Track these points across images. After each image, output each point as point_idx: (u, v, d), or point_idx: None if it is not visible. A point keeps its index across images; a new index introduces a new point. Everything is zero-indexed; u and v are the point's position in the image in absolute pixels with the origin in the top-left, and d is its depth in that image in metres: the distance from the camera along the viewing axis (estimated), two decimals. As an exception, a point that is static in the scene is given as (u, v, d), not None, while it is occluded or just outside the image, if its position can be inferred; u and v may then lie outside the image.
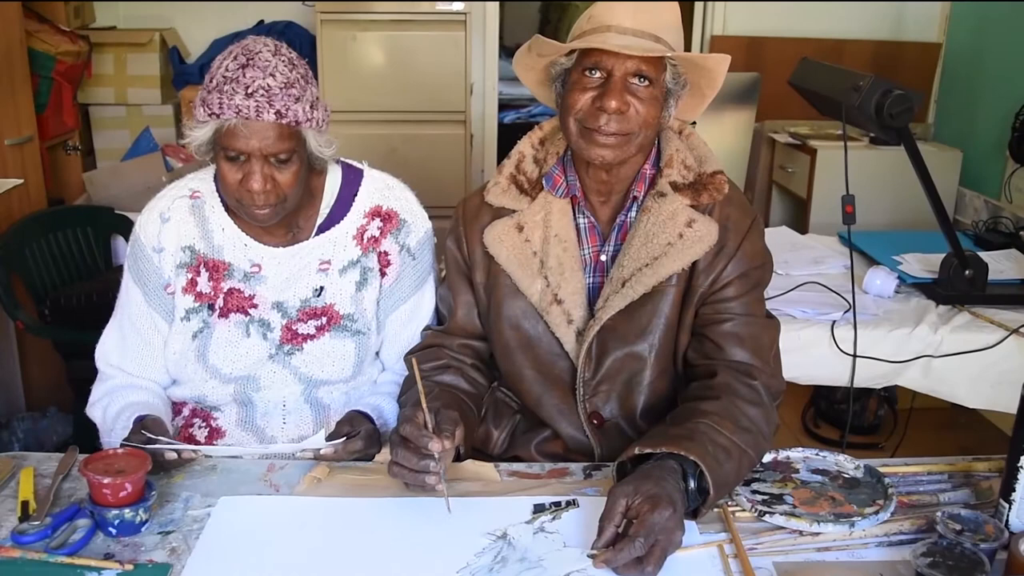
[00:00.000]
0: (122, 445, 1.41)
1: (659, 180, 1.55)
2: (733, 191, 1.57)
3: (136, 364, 1.68)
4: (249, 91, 1.46)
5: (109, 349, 1.70)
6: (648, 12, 1.46)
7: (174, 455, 1.44)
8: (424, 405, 1.38)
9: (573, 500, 1.40)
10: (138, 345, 1.67)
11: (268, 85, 1.47)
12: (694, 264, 1.52)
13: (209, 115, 1.47)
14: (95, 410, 1.68)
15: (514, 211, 1.60)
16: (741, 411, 1.42)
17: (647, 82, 1.46)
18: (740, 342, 1.51)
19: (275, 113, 1.47)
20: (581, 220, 1.59)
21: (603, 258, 1.59)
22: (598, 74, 1.46)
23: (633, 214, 1.57)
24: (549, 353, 1.59)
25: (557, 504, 1.39)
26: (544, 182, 1.60)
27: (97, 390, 1.70)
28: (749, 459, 1.40)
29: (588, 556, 1.24)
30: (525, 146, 1.65)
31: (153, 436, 1.43)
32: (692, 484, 1.31)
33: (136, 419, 1.53)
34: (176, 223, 1.65)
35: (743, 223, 1.54)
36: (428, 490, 1.37)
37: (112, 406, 1.63)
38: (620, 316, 1.53)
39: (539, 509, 1.38)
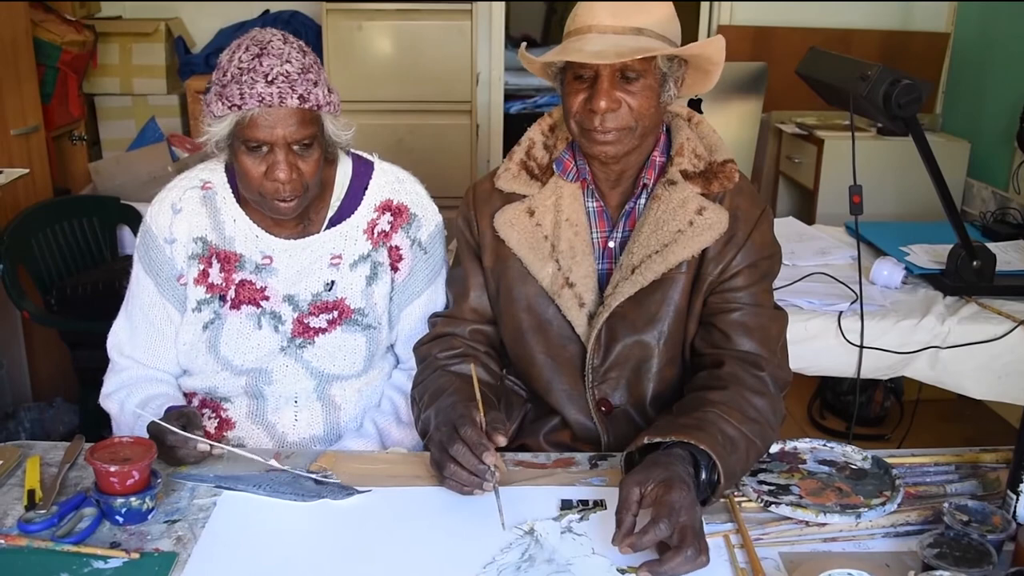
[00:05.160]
0: (154, 424, 1.43)
1: (669, 168, 1.54)
2: (743, 181, 1.56)
3: (148, 354, 1.67)
4: (269, 78, 1.45)
5: (122, 339, 1.69)
6: (629, 7, 1.44)
7: (206, 447, 1.42)
8: (481, 412, 1.37)
9: (601, 501, 1.37)
10: (150, 335, 1.67)
11: (287, 71, 1.46)
12: (703, 252, 1.51)
13: (229, 107, 1.45)
14: (111, 402, 1.67)
15: (524, 196, 1.60)
16: (748, 401, 1.42)
17: (636, 76, 1.45)
18: (748, 332, 1.51)
19: (298, 98, 1.46)
20: (591, 204, 1.59)
21: (611, 244, 1.58)
22: (587, 74, 1.46)
23: (642, 201, 1.57)
24: (560, 336, 1.58)
25: (584, 503, 1.37)
26: (555, 167, 1.59)
27: (111, 381, 1.69)
28: (756, 449, 1.40)
29: (612, 545, 1.20)
30: (535, 133, 1.65)
31: (183, 429, 1.42)
32: (704, 475, 1.30)
33: (168, 409, 1.52)
34: (188, 214, 1.64)
35: (753, 213, 1.54)
36: (468, 494, 1.36)
37: (131, 398, 1.63)
38: (629, 303, 1.52)
39: (567, 506, 1.36)
